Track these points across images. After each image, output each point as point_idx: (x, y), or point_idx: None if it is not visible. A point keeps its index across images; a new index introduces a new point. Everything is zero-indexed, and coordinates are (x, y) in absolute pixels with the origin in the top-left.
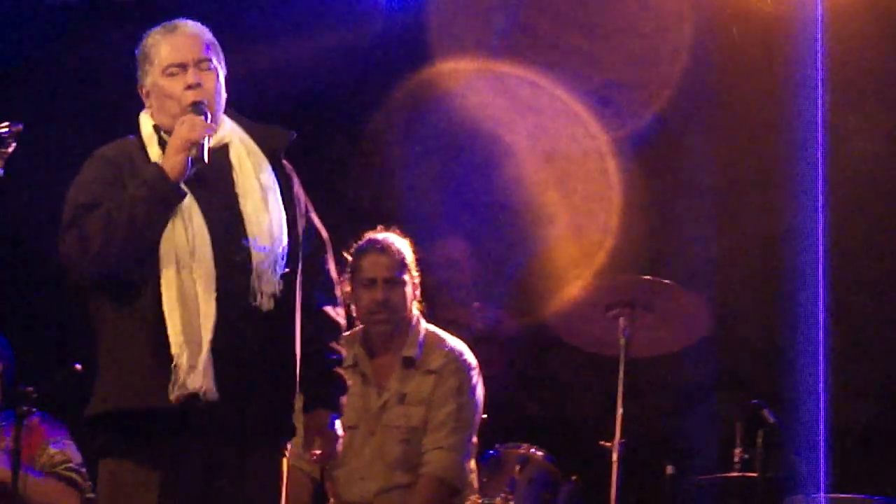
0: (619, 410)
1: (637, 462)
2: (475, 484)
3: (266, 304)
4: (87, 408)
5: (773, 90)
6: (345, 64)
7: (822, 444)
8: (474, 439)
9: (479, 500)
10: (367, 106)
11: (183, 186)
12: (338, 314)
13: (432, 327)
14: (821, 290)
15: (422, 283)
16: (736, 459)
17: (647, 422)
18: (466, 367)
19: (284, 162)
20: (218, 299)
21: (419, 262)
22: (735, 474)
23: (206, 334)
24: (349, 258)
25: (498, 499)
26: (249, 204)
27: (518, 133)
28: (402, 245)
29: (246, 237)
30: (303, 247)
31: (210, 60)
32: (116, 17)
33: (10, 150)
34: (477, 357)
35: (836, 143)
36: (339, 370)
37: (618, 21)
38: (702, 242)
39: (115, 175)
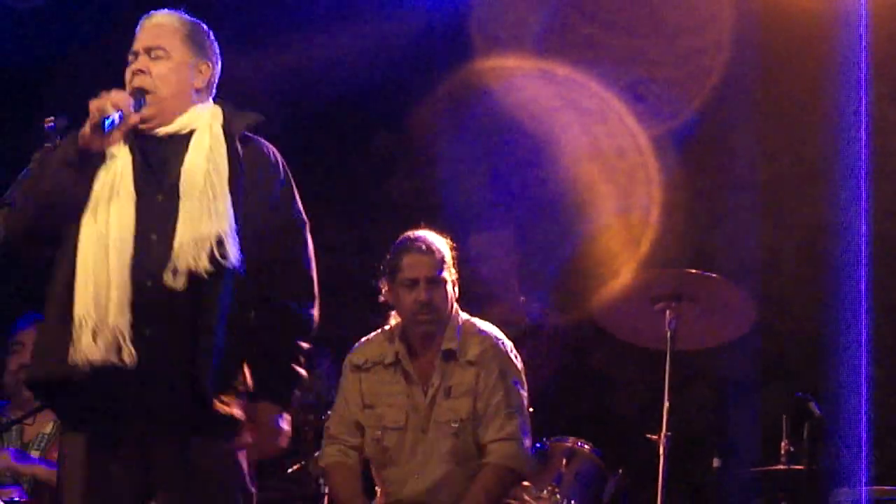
0: (666, 403)
1: (683, 455)
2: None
3: (177, 282)
4: None
5: (816, 85)
6: (389, 60)
7: (864, 436)
8: (528, 418)
9: (530, 488)
10: (412, 101)
11: (124, 162)
12: (305, 309)
13: (465, 315)
14: (864, 282)
15: (467, 279)
16: (782, 452)
17: (693, 415)
18: (504, 350)
19: (262, 147)
20: (132, 276)
21: (462, 257)
22: (781, 467)
23: (113, 307)
24: (387, 258)
25: (545, 492)
26: (187, 182)
27: (562, 129)
28: (441, 243)
29: (176, 217)
30: (268, 236)
31: (163, 49)
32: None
33: (56, 144)
34: (523, 352)
35: (880, 136)
36: (297, 367)
37: (658, 18)
38: (747, 236)
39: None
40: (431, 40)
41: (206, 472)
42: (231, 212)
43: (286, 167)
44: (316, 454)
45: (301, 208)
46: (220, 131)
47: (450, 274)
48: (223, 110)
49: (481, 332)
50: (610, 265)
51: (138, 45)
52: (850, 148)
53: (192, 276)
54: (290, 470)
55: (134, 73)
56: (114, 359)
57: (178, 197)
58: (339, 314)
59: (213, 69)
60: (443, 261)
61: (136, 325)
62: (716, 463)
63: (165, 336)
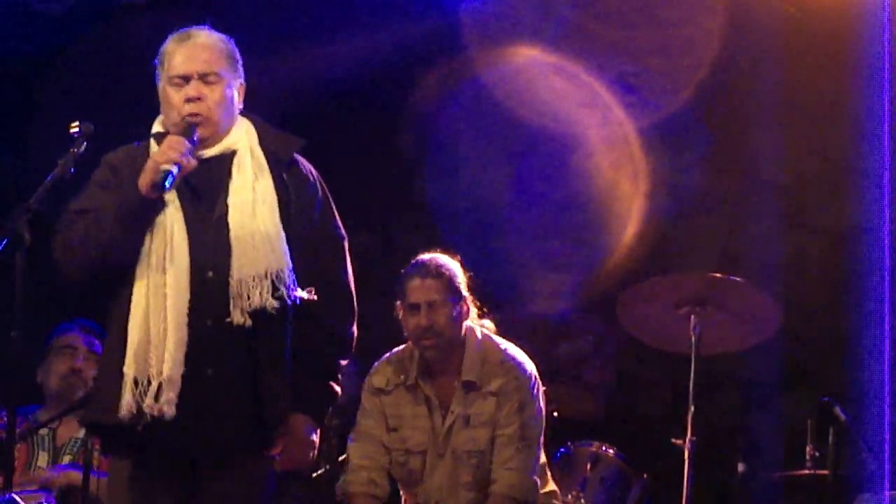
0: (691, 408)
1: (708, 460)
2: (548, 475)
3: (241, 319)
4: None
5: (841, 87)
6: (410, 60)
7: (888, 441)
8: (541, 454)
9: (556, 492)
10: (435, 102)
11: (172, 198)
12: (346, 327)
13: (489, 336)
14: (888, 286)
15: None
16: (807, 457)
17: (718, 419)
18: (526, 381)
19: (302, 167)
20: (190, 317)
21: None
22: (806, 472)
23: (170, 356)
24: (399, 280)
25: (569, 496)
26: (236, 215)
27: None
28: (447, 267)
29: (229, 252)
30: (311, 255)
31: (216, 73)
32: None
33: (81, 149)
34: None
35: None
36: (334, 384)
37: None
38: (771, 240)
39: (115, 181)
40: (455, 40)
41: (247, 483)
42: (286, 246)
43: (323, 183)
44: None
45: (340, 223)
46: (261, 153)
47: (459, 297)
48: (254, 125)
49: (504, 361)
50: (636, 269)
51: (188, 68)
52: (874, 150)
53: (255, 312)
54: (314, 475)
55: (187, 101)
56: (166, 412)
57: (227, 229)
58: (362, 317)
59: (244, 85)
60: (448, 285)
61: (198, 367)
62: (741, 468)
63: (230, 374)
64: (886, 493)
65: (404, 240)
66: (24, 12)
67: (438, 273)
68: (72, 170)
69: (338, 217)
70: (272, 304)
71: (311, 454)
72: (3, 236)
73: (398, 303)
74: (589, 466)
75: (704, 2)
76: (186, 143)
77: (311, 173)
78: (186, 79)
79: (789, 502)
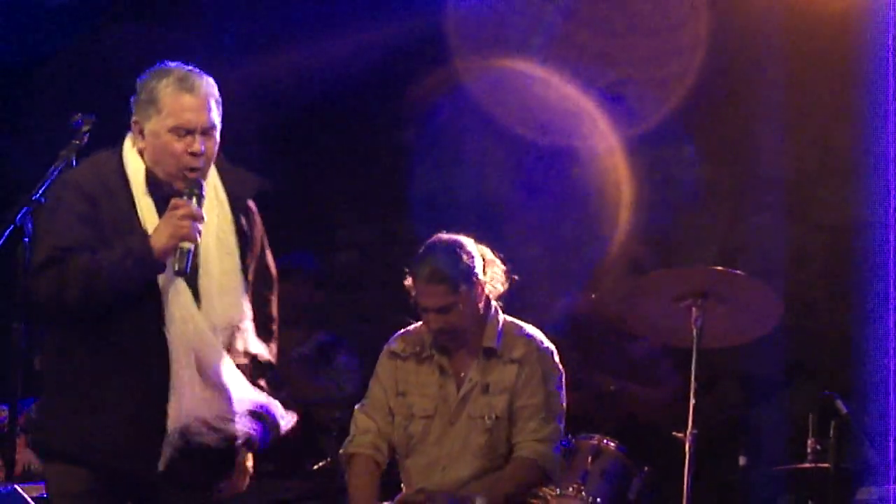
0: (692, 401)
1: (710, 453)
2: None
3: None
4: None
5: (844, 82)
6: (413, 54)
7: (891, 435)
8: (562, 426)
9: (553, 491)
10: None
11: None
12: (270, 352)
13: (510, 318)
14: (892, 280)
15: None
16: (809, 450)
17: (719, 412)
18: (549, 354)
19: (251, 206)
20: (200, 374)
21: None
22: (808, 465)
23: (187, 410)
24: (411, 265)
25: (570, 489)
26: (203, 270)
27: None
28: (455, 262)
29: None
30: (256, 292)
31: (214, 126)
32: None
33: (83, 142)
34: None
35: None
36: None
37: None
38: (773, 233)
39: (91, 211)
40: (458, 36)
41: None
42: (246, 301)
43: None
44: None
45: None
46: (224, 195)
47: (473, 282)
48: (216, 164)
49: (527, 334)
50: (636, 262)
51: (194, 122)
52: (877, 145)
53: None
54: (315, 467)
55: (194, 156)
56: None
57: (197, 277)
58: (361, 309)
59: None
60: (456, 284)
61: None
62: (742, 461)
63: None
64: (890, 486)
65: (404, 233)
66: (33, 4)
67: (445, 276)
68: (73, 162)
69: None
70: (236, 355)
71: (247, 481)
72: (4, 228)
73: (409, 282)
74: (590, 459)
75: None
76: (198, 210)
77: (255, 209)
78: (191, 132)
79: (791, 495)
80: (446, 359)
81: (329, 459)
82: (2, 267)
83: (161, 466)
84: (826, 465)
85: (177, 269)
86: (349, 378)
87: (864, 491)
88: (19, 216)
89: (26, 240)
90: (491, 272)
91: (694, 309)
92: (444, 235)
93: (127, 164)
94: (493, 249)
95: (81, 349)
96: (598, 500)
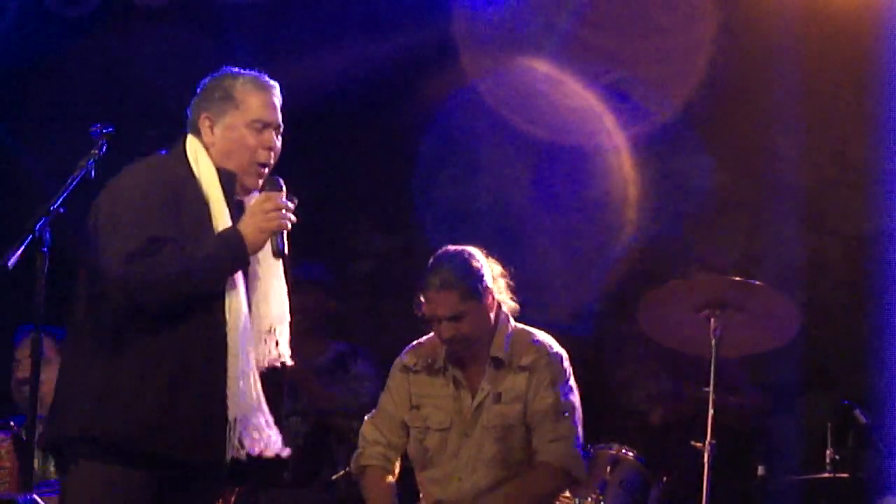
0: (711, 411)
1: (728, 462)
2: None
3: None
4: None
5: (861, 89)
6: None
7: None
8: (580, 425)
9: (572, 501)
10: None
11: None
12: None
13: (520, 325)
14: None
15: None
16: (827, 460)
17: (738, 422)
18: (558, 359)
19: None
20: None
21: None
22: (826, 475)
23: (254, 402)
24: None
25: (588, 499)
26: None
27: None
28: (464, 271)
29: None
30: None
31: (281, 128)
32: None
33: (102, 151)
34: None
35: None
36: None
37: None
38: (791, 243)
39: (175, 203)
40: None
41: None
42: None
43: None
44: (354, 455)
45: None
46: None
47: (482, 293)
48: None
49: (535, 341)
50: (655, 272)
51: (273, 117)
52: (895, 154)
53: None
54: (333, 477)
55: (268, 150)
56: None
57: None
58: (379, 318)
59: None
60: (465, 292)
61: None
62: (760, 471)
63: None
64: None
65: (421, 242)
66: (42, 13)
67: (455, 283)
68: (91, 173)
69: None
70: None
71: None
72: (24, 237)
73: (420, 297)
74: (609, 469)
75: None
76: (285, 202)
77: None
78: (267, 126)
79: None
80: (460, 371)
81: (346, 469)
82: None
83: (228, 456)
84: (844, 474)
85: (274, 250)
86: (367, 387)
87: (884, 501)
88: (38, 226)
89: (45, 249)
90: (499, 283)
91: (713, 319)
92: (452, 247)
93: (196, 161)
94: (511, 257)
95: (147, 340)
96: None
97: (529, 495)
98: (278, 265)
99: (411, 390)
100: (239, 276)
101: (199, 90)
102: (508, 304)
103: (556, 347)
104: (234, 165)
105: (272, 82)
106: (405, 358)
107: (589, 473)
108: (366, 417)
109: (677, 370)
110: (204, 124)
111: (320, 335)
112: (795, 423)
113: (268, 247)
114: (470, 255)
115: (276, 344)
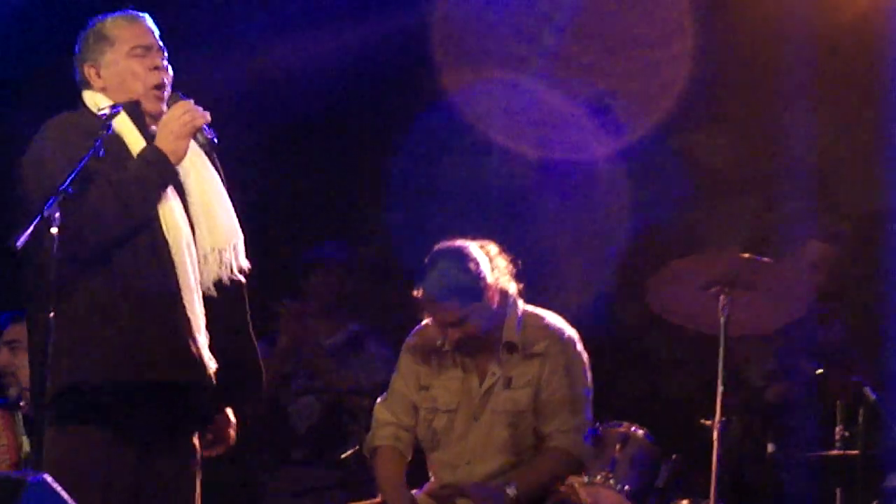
0: (720, 388)
1: (738, 440)
2: None
3: (213, 291)
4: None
5: (872, 67)
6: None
7: None
8: (590, 414)
9: (581, 479)
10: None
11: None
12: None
13: (530, 307)
14: None
15: None
16: (837, 437)
17: (747, 400)
18: (571, 345)
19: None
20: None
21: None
22: (836, 452)
23: (202, 318)
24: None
25: (598, 477)
26: (190, 189)
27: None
28: (461, 270)
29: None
30: None
31: (165, 51)
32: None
33: (110, 131)
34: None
35: None
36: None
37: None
38: (801, 221)
39: (90, 145)
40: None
41: (187, 461)
42: (234, 215)
43: None
44: (366, 437)
45: None
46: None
47: (481, 294)
48: None
49: (547, 326)
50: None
51: (150, 40)
52: None
53: (217, 285)
54: (343, 455)
55: (157, 70)
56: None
57: (185, 200)
58: (389, 299)
59: None
60: (467, 296)
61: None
62: (770, 448)
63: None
64: None
65: (434, 221)
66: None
67: (451, 292)
68: (101, 152)
69: None
70: (233, 276)
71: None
72: (33, 218)
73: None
74: (618, 447)
75: None
76: (192, 104)
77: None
78: (148, 49)
79: (819, 483)
80: (468, 355)
81: (358, 448)
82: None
83: (210, 371)
84: (855, 452)
85: (203, 144)
86: (380, 368)
87: (893, 478)
88: (47, 206)
89: (54, 230)
90: (498, 269)
91: (721, 296)
92: (446, 245)
93: (97, 107)
94: (522, 237)
95: (98, 281)
96: (627, 487)
97: (540, 477)
98: (213, 179)
99: (419, 371)
100: (171, 193)
101: (76, 45)
102: (512, 287)
103: (569, 331)
104: (132, 96)
105: (141, 14)
106: (413, 339)
107: (599, 451)
108: (378, 400)
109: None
110: (90, 73)
111: (335, 315)
112: (805, 400)
113: (198, 164)
114: (464, 253)
115: (228, 260)
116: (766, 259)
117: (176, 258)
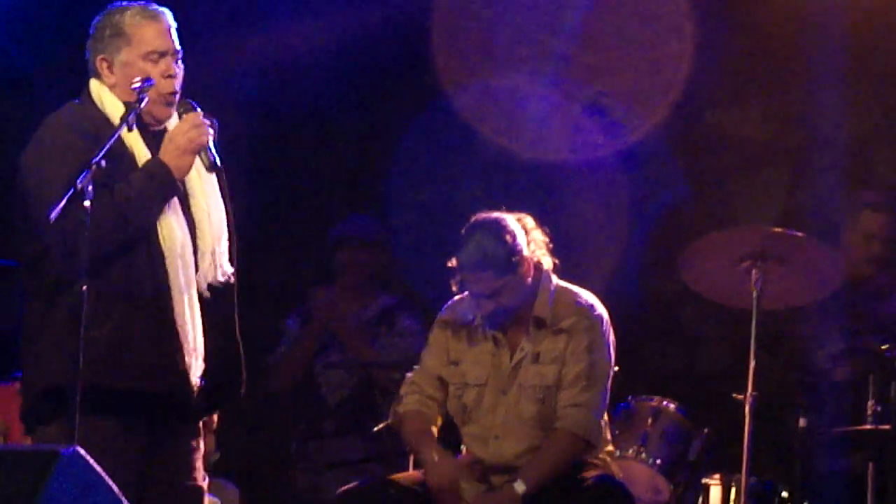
0: (752, 363)
1: (769, 415)
2: (608, 436)
3: (206, 291)
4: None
5: None
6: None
7: None
8: (607, 393)
9: (613, 451)
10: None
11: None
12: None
13: (564, 283)
14: None
15: None
16: (869, 412)
17: (779, 374)
18: (598, 323)
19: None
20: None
21: None
22: (868, 427)
23: (196, 330)
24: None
25: (630, 451)
26: (190, 190)
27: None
28: (498, 241)
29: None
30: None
31: (180, 53)
32: None
33: (142, 106)
34: None
35: None
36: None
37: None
38: (833, 194)
39: (95, 146)
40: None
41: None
42: (225, 218)
43: None
44: (392, 407)
45: None
46: None
47: (515, 267)
48: None
49: (577, 302)
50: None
51: (166, 45)
52: None
53: (210, 286)
54: (375, 429)
55: (171, 78)
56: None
57: (187, 201)
58: (425, 272)
59: None
60: (500, 269)
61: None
62: (802, 423)
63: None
64: None
65: (465, 194)
66: None
67: (488, 262)
68: (132, 126)
69: None
70: (220, 280)
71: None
72: (67, 191)
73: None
74: (650, 421)
75: None
76: (203, 119)
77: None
78: (163, 55)
79: (851, 457)
80: (500, 330)
81: (389, 420)
82: None
83: (194, 385)
84: (887, 426)
85: (207, 165)
86: (412, 342)
87: None
88: (80, 178)
89: (87, 203)
90: (534, 242)
91: (754, 270)
92: (483, 216)
93: (103, 104)
94: (554, 210)
95: (92, 283)
96: (658, 461)
97: (549, 463)
98: (213, 180)
99: (450, 346)
100: (172, 201)
101: (91, 31)
102: (547, 261)
103: (599, 309)
104: (144, 99)
105: (161, 9)
106: (445, 314)
107: (630, 425)
108: (407, 374)
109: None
110: (102, 66)
111: (368, 288)
112: (837, 375)
113: (197, 163)
114: (501, 225)
115: (220, 262)
116: (798, 233)
117: (170, 268)
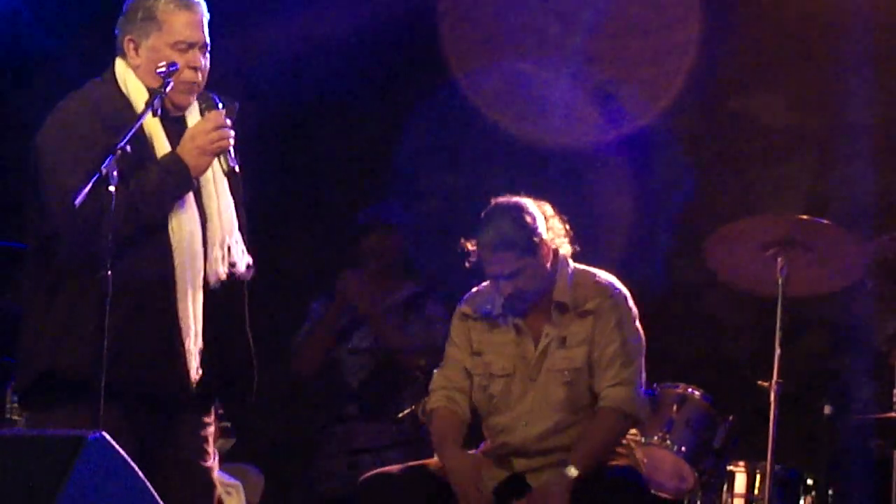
0: (778, 350)
1: (795, 402)
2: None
3: (215, 285)
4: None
5: None
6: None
7: None
8: (643, 367)
9: (639, 439)
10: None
11: None
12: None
13: (580, 266)
14: None
15: None
16: (895, 399)
17: (805, 361)
18: (622, 300)
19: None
20: (204, 286)
21: None
22: (893, 414)
23: (197, 324)
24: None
25: (655, 438)
26: (209, 184)
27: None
28: (518, 223)
29: (204, 218)
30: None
31: (208, 46)
32: None
33: (167, 90)
34: None
35: None
36: None
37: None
38: (860, 181)
39: (113, 128)
40: None
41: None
42: (233, 210)
43: None
44: (421, 403)
45: None
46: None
47: (536, 249)
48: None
49: (597, 282)
50: (723, 211)
51: (196, 37)
52: None
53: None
54: (400, 415)
55: (195, 70)
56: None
57: (199, 193)
58: (450, 259)
59: None
60: (521, 251)
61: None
62: (827, 410)
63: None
64: None
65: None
66: None
67: (510, 242)
68: (159, 111)
69: None
70: (228, 272)
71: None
72: (93, 175)
73: (473, 249)
74: (675, 408)
75: None
76: (224, 117)
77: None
78: (192, 46)
79: (876, 444)
80: (520, 318)
81: (413, 407)
82: None
83: (193, 380)
84: None
85: (226, 170)
86: (439, 329)
87: None
88: (105, 163)
89: (111, 187)
90: (553, 230)
91: (779, 258)
92: (503, 200)
93: (126, 85)
94: (581, 196)
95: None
96: (683, 448)
97: (599, 443)
98: (225, 183)
99: (472, 337)
100: (186, 196)
101: (123, 10)
102: (565, 247)
103: (619, 286)
104: (158, 85)
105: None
106: (464, 306)
107: (655, 412)
108: (434, 371)
109: None
110: (129, 47)
111: (395, 275)
112: (863, 362)
113: (217, 166)
114: (522, 208)
115: (229, 254)
116: (824, 221)
117: (177, 260)
